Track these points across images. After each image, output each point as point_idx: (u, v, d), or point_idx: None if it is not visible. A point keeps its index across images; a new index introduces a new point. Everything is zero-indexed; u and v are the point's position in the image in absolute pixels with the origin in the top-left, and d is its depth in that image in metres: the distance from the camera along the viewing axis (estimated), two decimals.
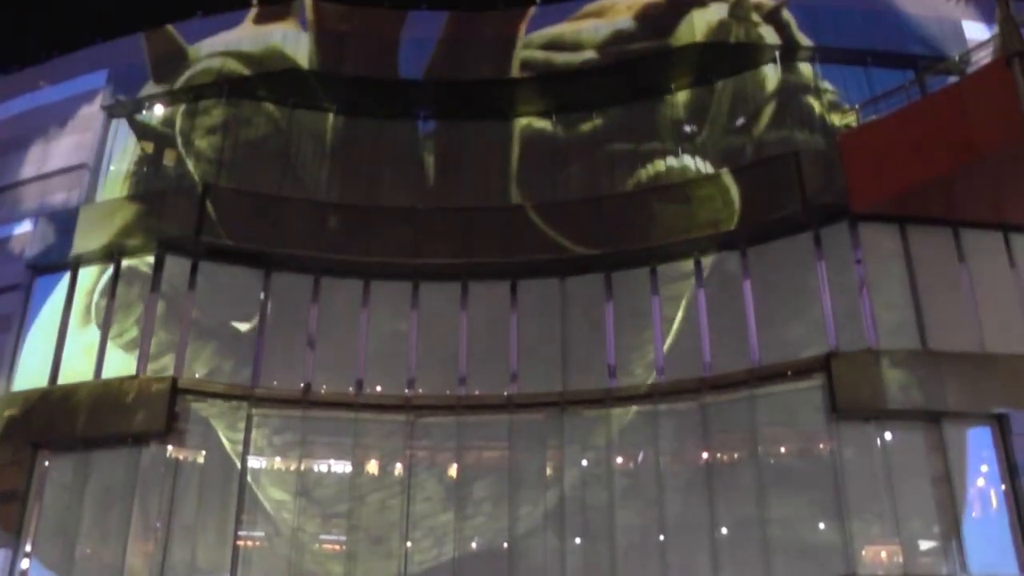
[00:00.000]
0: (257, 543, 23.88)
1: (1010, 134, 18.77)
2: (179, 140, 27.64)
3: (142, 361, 24.32)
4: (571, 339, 25.59)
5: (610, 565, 23.15)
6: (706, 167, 26.02)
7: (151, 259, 25.35)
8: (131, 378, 23.94)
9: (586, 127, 27.87)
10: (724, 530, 22.62)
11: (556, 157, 27.72)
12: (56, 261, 26.17)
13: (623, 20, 27.10)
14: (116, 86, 28.59)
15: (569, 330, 25.69)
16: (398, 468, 24.71)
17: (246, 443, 24.22)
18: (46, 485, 24.10)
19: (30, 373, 25.33)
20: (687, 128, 26.89)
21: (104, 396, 23.80)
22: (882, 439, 21.71)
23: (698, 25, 26.20)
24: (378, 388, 25.50)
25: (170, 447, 23.62)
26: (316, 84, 27.59)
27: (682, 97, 27.31)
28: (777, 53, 26.29)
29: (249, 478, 24.07)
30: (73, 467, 24.12)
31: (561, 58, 27.16)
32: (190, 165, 27.12)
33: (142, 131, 28.16)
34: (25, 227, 27.27)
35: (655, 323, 25.11)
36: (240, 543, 23.46)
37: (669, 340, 24.93)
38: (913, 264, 23.04)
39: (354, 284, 26.29)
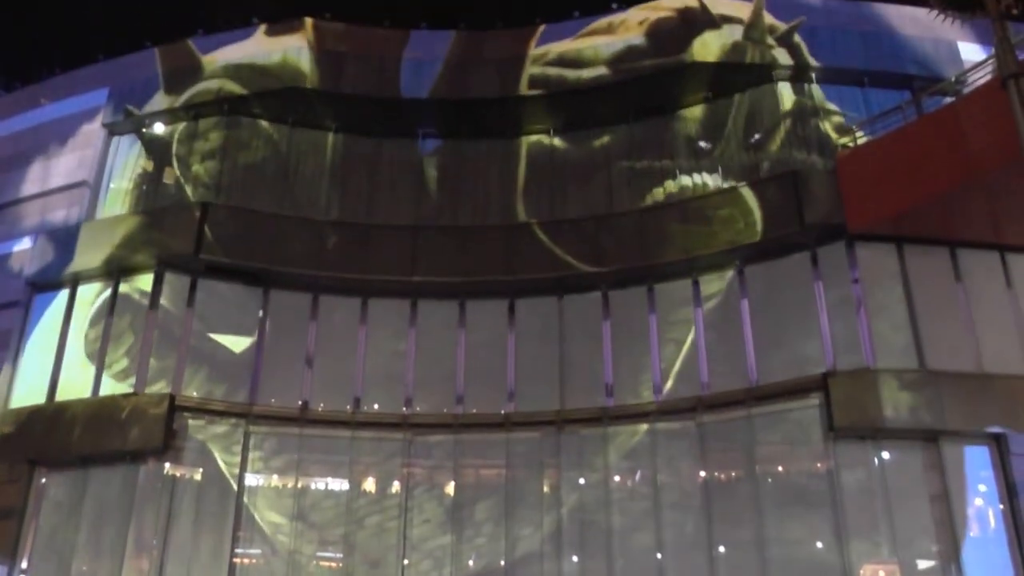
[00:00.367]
0: (253, 561, 23.83)
1: (1006, 155, 18.80)
2: (179, 158, 27.71)
3: (140, 378, 24.30)
4: (569, 358, 25.61)
5: None
6: (709, 186, 26.04)
7: (150, 277, 25.35)
8: (128, 395, 23.94)
9: (594, 144, 27.93)
10: (722, 549, 22.58)
11: (563, 174, 27.81)
12: (55, 278, 26.22)
13: (634, 37, 27.13)
14: (117, 104, 28.71)
15: (567, 349, 25.71)
16: (395, 486, 24.69)
17: (243, 461, 24.20)
18: (43, 502, 24.09)
19: (28, 390, 25.33)
20: (695, 145, 26.90)
21: (101, 413, 23.80)
22: (880, 458, 21.71)
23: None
24: (376, 406, 25.50)
25: (167, 464, 23.59)
26: (316, 103, 27.70)
27: (691, 115, 27.33)
28: (769, 73, 26.40)
29: (246, 496, 24.04)
30: (70, 484, 24.10)
31: (572, 74, 27.23)
32: (190, 183, 27.20)
33: (149, 144, 28.24)
34: (25, 244, 27.35)
35: (653, 342, 25.13)
36: (236, 561, 23.41)
37: (667, 359, 24.94)
38: (910, 284, 23.07)
39: (352, 302, 26.34)
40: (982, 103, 20.39)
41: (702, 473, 23.47)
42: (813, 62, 26.24)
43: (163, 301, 25.25)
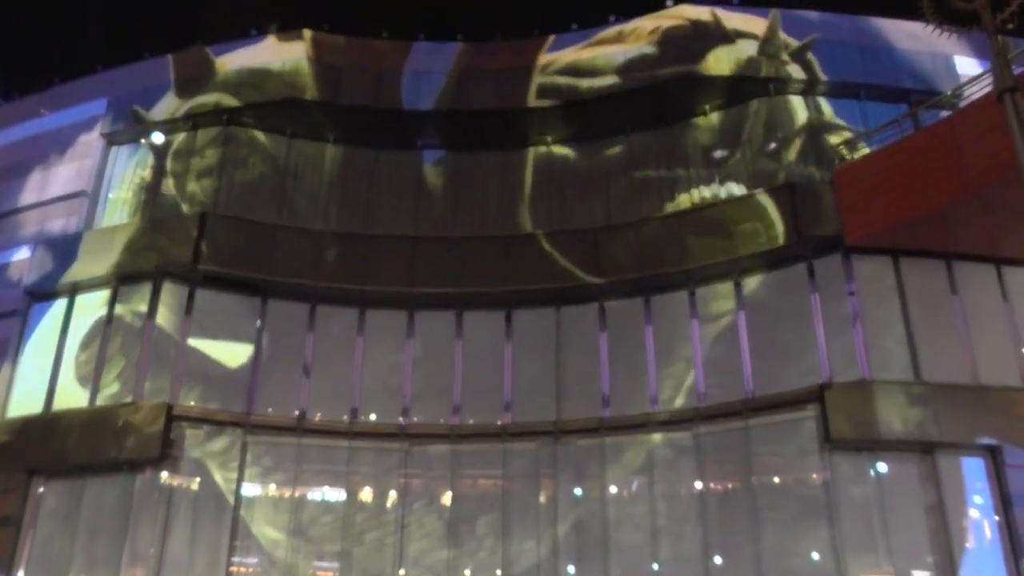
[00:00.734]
0: (250, 571, 23.80)
1: (1002, 168, 18.94)
2: (178, 168, 27.77)
3: (137, 388, 24.31)
4: (566, 369, 25.67)
5: None
6: (708, 197, 26.12)
7: (148, 287, 25.38)
8: (126, 405, 23.93)
9: (596, 153, 28.04)
10: (718, 559, 22.60)
11: (568, 184, 27.91)
12: (53, 288, 26.27)
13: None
14: (116, 114, 28.77)
15: (564, 360, 25.77)
16: (392, 496, 24.69)
17: (240, 470, 24.20)
18: (39, 511, 24.07)
19: (25, 399, 25.33)
20: (699, 157, 26.93)
21: (99, 423, 23.80)
22: (876, 470, 21.75)
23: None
24: (373, 416, 25.53)
25: (164, 474, 23.59)
26: (315, 114, 27.77)
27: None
28: (782, 87, 26.59)
29: (243, 506, 24.02)
30: (67, 493, 24.07)
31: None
32: (188, 193, 27.23)
33: (149, 153, 28.29)
34: (23, 254, 27.38)
35: (650, 354, 25.19)
36: (233, 570, 23.38)
37: (664, 370, 25.00)
38: (907, 296, 23.18)
39: (350, 313, 26.38)
40: (978, 117, 20.54)
41: (699, 484, 23.51)
42: (823, 77, 26.38)
43: (161, 311, 25.24)
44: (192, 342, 25.18)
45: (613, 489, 24.26)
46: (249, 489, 24.33)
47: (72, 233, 26.99)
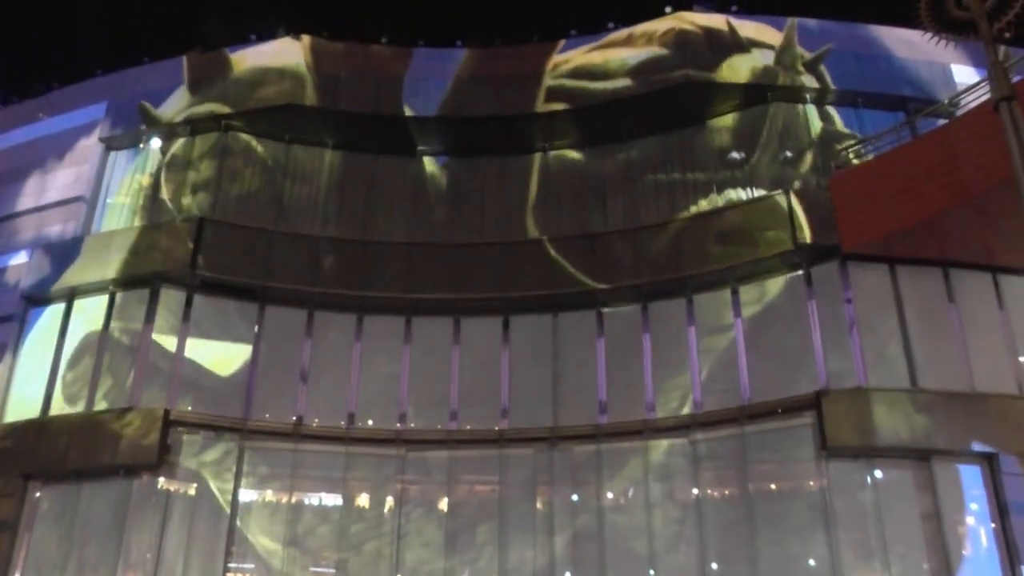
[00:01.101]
0: None
1: (998, 177, 18.98)
2: (176, 173, 27.78)
3: (134, 393, 24.30)
4: (562, 375, 25.68)
5: None
6: (705, 205, 26.18)
7: (146, 291, 25.38)
8: (123, 410, 23.91)
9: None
10: (714, 565, 22.61)
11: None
12: (51, 292, 26.24)
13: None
14: (115, 119, 28.79)
15: (560, 366, 25.78)
16: (389, 502, 24.68)
17: (237, 476, 24.17)
18: (36, 516, 24.03)
19: (22, 404, 25.31)
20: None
21: (95, 428, 23.78)
22: (872, 477, 21.77)
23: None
24: (370, 422, 25.52)
25: (161, 479, 23.56)
26: (315, 120, 27.80)
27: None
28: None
29: (239, 511, 24.01)
30: (63, 498, 24.03)
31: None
32: (186, 199, 27.25)
33: (147, 159, 28.33)
34: (21, 258, 27.37)
35: (646, 360, 25.21)
36: (230, 575, 23.35)
37: (660, 377, 25.01)
38: (903, 304, 23.23)
39: (347, 319, 26.38)
40: (975, 125, 20.58)
41: (695, 491, 23.52)
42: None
43: (158, 316, 25.24)
44: (190, 348, 25.16)
45: (610, 496, 24.28)
46: (246, 495, 24.31)
47: (70, 238, 27.00)
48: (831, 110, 26.63)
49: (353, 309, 26.35)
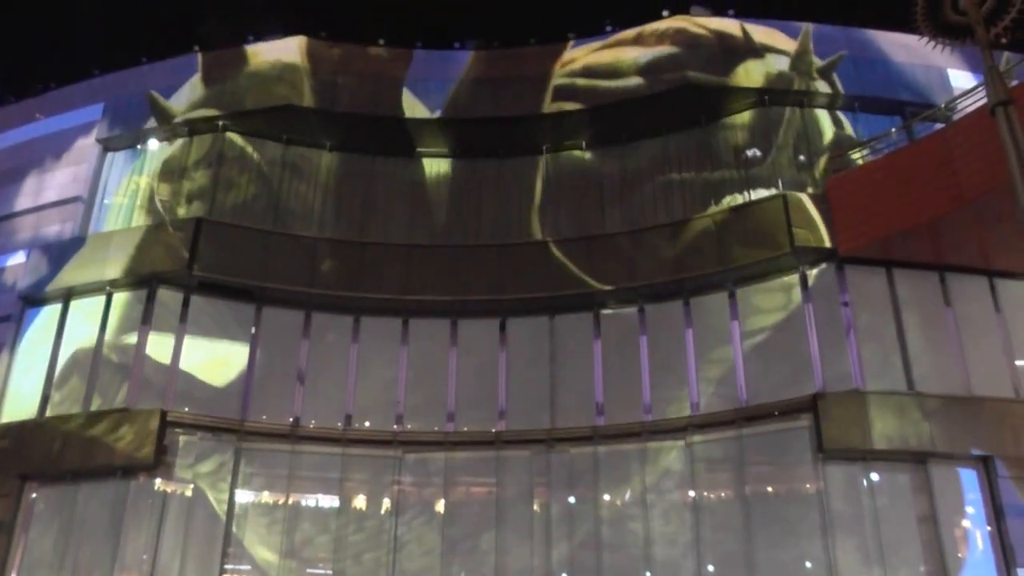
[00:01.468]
0: None
1: (994, 182, 19.06)
2: (174, 174, 27.78)
3: (131, 394, 24.29)
4: (559, 377, 25.71)
5: None
6: (706, 207, 26.22)
7: (143, 292, 25.38)
8: (119, 411, 23.91)
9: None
10: (710, 568, 22.64)
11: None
12: (48, 293, 26.23)
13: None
14: (112, 119, 28.79)
15: (557, 368, 25.81)
16: (385, 503, 24.70)
17: (234, 477, 24.17)
18: (32, 517, 24.02)
19: (18, 404, 25.30)
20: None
21: (92, 429, 23.75)
22: (869, 480, 21.81)
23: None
24: (367, 423, 25.54)
25: (158, 480, 23.54)
26: (312, 121, 27.80)
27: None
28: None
29: (236, 512, 24.01)
30: (60, 499, 24.03)
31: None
32: (184, 199, 27.25)
33: (146, 160, 28.31)
34: (18, 258, 27.36)
35: (643, 362, 25.23)
36: None
37: (657, 379, 25.02)
38: (900, 307, 23.29)
39: (345, 320, 26.39)
40: (971, 130, 20.66)
41: (692, 493, 23.55)
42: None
43: (156, 317, 25.23)
44: (187, 349, 25.15)
45: (607, 498, 24.30)
46: (242, 496, 24.31)
47: (67, 238, 27.00)
48: (840, 115, 26.64)
49: (350, 311, 26.36)
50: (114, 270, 25.49)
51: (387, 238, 27.12)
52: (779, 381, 23.50)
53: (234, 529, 23.83)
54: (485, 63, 28.70)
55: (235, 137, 28.06)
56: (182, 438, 23.97)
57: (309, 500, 24.77)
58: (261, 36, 28.93)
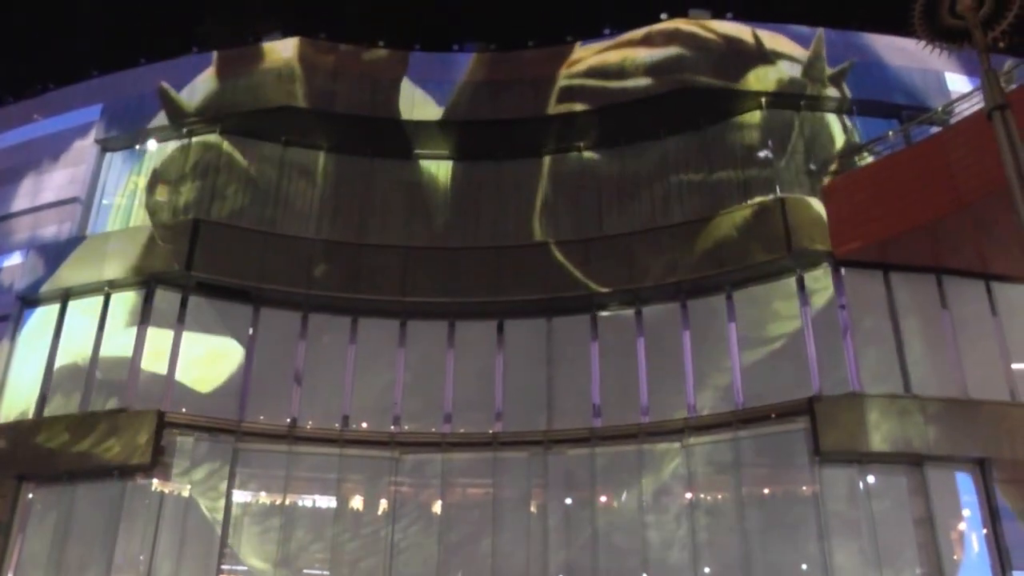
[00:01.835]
0: None
1: (991, 185, 19.10)
2: (172, 175, 27.78)
3: (128, 394, 24.30)
4: (557, 379, 25.74)
5: None
6: (699, 210, 26.25)
7: (141, 292, 25.39)
8: (117, 411, 23.92)
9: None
10: (707, 570, 22.67)
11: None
12: (46, 293, 26.25)
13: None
14: (110, 120, 28.80)
15: (555, 370, 25.83)
16: (382, 504, 24.71)
17: (231, 477, 24.18)
18: (29, 517, 24.03)
19: (16, 404, 25.31)
20: (692, 170, 27.12)
21: (89, 429, 23.75)
22: (865, 482, 21.84)
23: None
24: (364, 424, 25.55)
25: (155, 480, 23.52)
26: (310, 122, 27.80)
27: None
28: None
29: (233, 512, 24.02)
30: (57, 499, 24.04)
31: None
32: (181, 200, 27.25)
33: (144, 161, 28.32)
34: (15, 259, 27.39)
35: (640, 364, 25.25)
36: None
37: (654, 381, 25.04)
38: (897, 310, 23.33)
39: (342, 321, 26.40)
40: (968, 134, 20.72)
41: (688, 495, 23.57)
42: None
43: (153, 318, 25.23)
44: (184, 349, 25.15)
45: (603, 499, 24.33)
46: (239, 497, 24.33)
47: (65, 239, 27.03)
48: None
49: (348, 312, 26.37)
50: (112, 271, 25.51)
51: (385, 239, 27.12)
52: (776, 384, 23.52)
53: (231, 529, 23.84)
54: (486, 66, 28.70)
55: (233, 138, 28.04)
56: (179, 439, 23.97)
57: (306, 501, 24.78)
58: (260, 37, 28.93)
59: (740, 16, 27.73)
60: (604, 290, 25.55)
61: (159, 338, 25.14)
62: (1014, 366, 23.05)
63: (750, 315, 24.65)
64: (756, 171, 26.21)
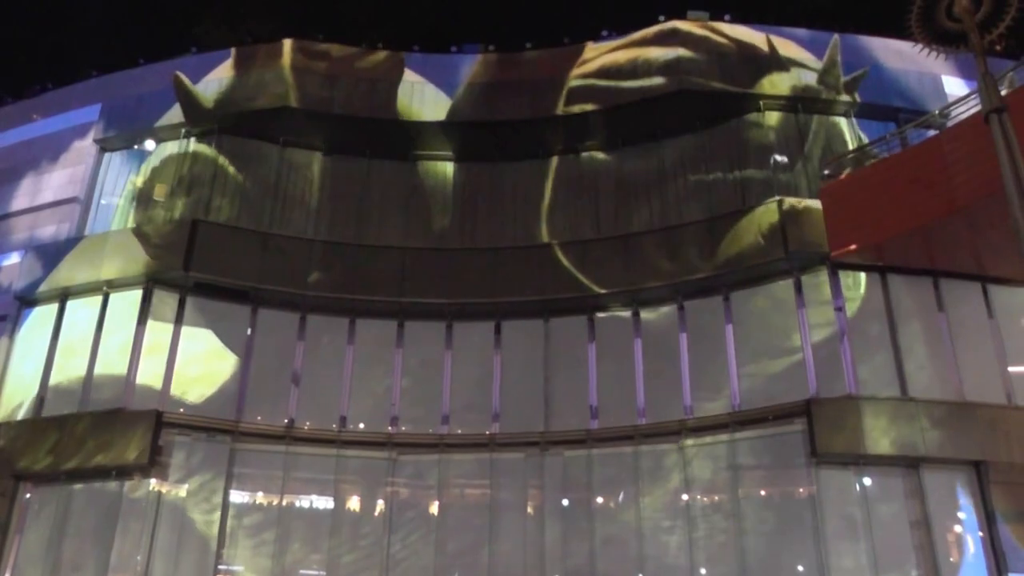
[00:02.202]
0: None
1: (988, 188, 19.12)
2: (170, 175, 27.80)
3: (127, 394, 24.31)
4: (554, 380, 25.76)
5: None
6: (697, 212, 26.30)
7: (139, 293, 25.40)
8: (115, 411, 23.91)
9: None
10: (703, 571, 22.69)
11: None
12: (44, 293, 26.24)
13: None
14: (109, 120, 28.81)
15: (552, 371, 25.86)
16: (380, 505, 24.71)
17: (228, 478, 24.18)
18: (27, 517, 24.01)
19: (14, 405, 25.31)
20: (686, 173, 27.17)
21: (87, 429, 23.76)
22: (861, 484, 21.88)
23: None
24: (361, 425, 25.56)
25: (153, 480, 23.51)
26: (308, 123, 27.84)
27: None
28: (762, 102, 26.83)
29: (230, 513, 24.01)
30: (55, 499, 24.01)
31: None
32: (180, 201, 27.26)
33: (143, 161, 28.34)
34: (13, 259, 27.39)
35: (637, 366, 25.29)
36: None
37: (651, 382, 25.06)
38: (893, 312, 23.37)
39: (340, 322, 26.42)
40: (965, 137, 20.74)
41: (685, 496, 23.60)
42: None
43: (151, 318, 25.25)
44: (182, 349, 25.17)
45: (600, 500, 24.33)
46: (236, 497, 24.32)
47: (64, 239, 27.04)
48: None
49: (346, 313, 26.39)
50: (110, 271, 25.53)
51: (382, 241, 27.15)
52: (773, 385, 23.57)
53: (228, 529, 23.83)
54: (489, 67, 28.74)
55: (232, 139, 28.06)
56: (176, 439, 23.97)
57: (303, 502, 24.77)
58: (258, 38, 28.96)
59: (737, 19, 27.77)
60: (601, 291, 25.60)
61: (157, 338, 25.15)
62: (1010, 369, 23.10)
63: (748, 317, 24.68)
64: (755, 173, 26.24)
